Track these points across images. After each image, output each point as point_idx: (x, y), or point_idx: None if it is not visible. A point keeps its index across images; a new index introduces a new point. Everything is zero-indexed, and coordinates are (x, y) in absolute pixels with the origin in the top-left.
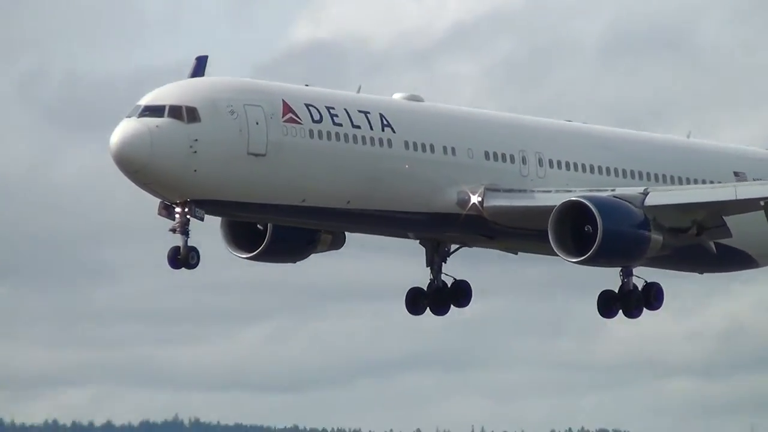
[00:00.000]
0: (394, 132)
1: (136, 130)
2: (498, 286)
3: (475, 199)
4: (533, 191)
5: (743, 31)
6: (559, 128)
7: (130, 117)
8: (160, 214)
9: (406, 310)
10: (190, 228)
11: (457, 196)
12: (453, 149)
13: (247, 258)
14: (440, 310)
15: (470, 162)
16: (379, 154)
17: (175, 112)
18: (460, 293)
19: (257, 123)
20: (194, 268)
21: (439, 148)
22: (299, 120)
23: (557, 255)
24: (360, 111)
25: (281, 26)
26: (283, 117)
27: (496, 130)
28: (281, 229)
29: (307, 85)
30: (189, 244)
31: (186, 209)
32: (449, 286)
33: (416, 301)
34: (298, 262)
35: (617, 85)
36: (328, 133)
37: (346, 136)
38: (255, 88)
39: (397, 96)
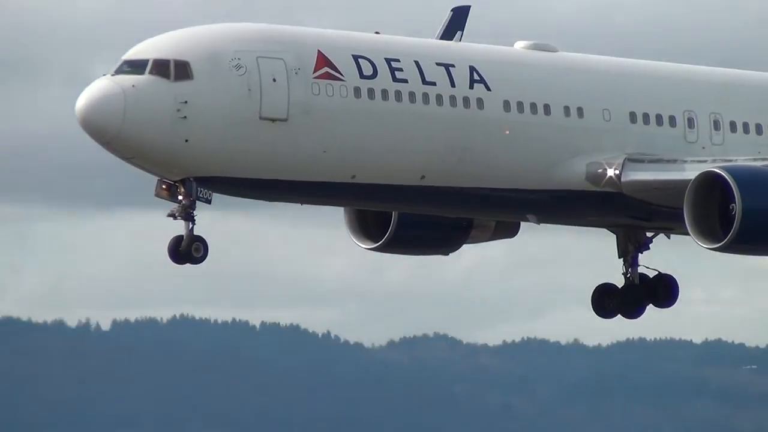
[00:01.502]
0: (488, 89)
1: (106, 91)
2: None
3: (611, 172)
4: (686, 161)
5: None
6: (747, 80)
7: (105, 75)
8: (157, 194)
9: (593, 311)
10: (195, 212)
11: (586, 168)
12: (579, 110)
13: (371, 249)
14: (632, 311)
15: (606, 126)
16: (464, 117)
17: (161, 67)
18: (663, 290)
19: (274, 80)
20: (200, 262)
21: (558, 108)
22: (339, 75)
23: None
24: (439, 64)
25: None
26: (315, 72)
27: (649, 84)
28: (410, 214)
29: (377, 33)
30: (194, 232)
31: (185, 189)
32: (649, 279)
33: (603, 300)
34: (450, 254)
35: None
36: (384, 92)
37: (412, 95)
38: (278, 37)
39: (520, 45)
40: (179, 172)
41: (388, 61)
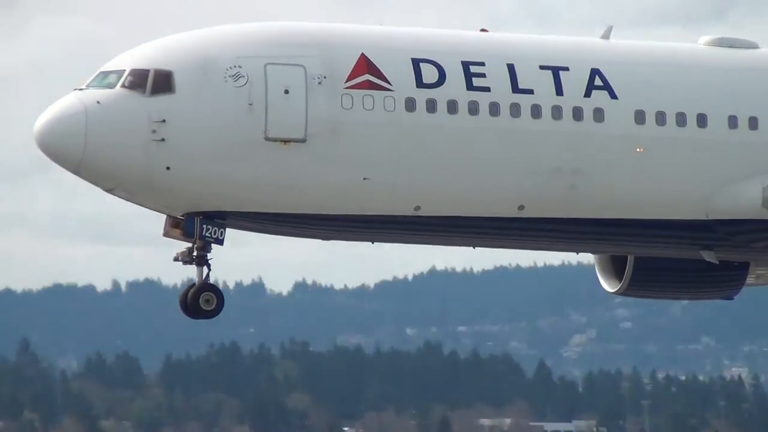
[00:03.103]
0: (614, 97)
1: (66, 109)
2: None
3: None
4: None
5: None
6: None
7: (77, 89)
8: (166, 234)
9: None
10: (207, 254)
11: (763, 193)
12: (753, 120)
13: (614, 293)
14: None
15: None
16: (572, 133)
17: (137, 78)
18: None
19: (286, 91)
20: (212, 316)
21: (718, 119)
22: (385, 84)
23: None
24: (545, 67)
25: None
26: (348, 80)
27: None
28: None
29: (483, 30)
30: (206, 279)
31: (185, 227)
32: None
33: None
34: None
35: None
36: (452, 104)
37: (494, 106)
38: (304, 39)
39: (703, 40)
40: (173, 206)
41: (466, 65)
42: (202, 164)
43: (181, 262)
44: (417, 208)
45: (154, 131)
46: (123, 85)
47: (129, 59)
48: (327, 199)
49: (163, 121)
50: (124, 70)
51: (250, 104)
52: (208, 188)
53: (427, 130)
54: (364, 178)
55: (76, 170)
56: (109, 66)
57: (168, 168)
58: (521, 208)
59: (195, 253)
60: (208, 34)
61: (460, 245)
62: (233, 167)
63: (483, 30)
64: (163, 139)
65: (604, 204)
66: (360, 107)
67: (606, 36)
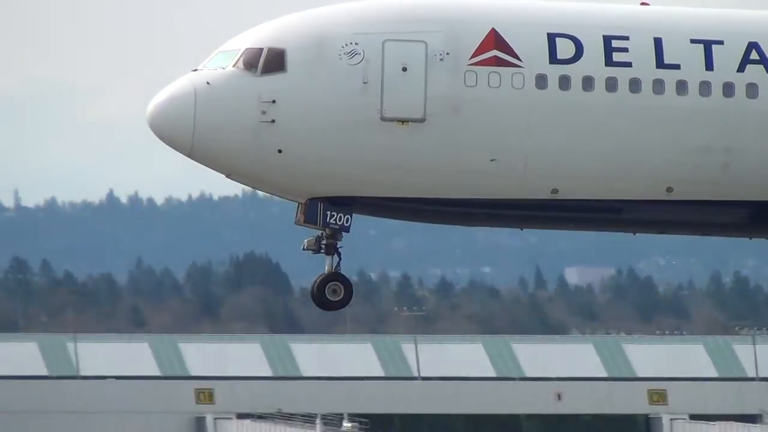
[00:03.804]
0: None
1: (176, 91)
2: None
3: None
4: None
5: None
6: None
7: (194, 70)
8: (297, 222)
9: None
10: (337, 242)
11: None
12: None
13: None
14: None
15: None
16: (723, 110)
17: (250, 58)
18: None
19: (404, 69)
20: (340, 307)
21: None
22: (515, 60)
23: None
24: (696, 41)
25: None
26: (473, 57)
27: None
28: None
29: (644, 4)
30: (335, 268)
31: (306, 213)
32: None
33: None
34: None
35: None
36: (588, 80)
37: (635, 82)
38: (430, 14)
39: None
40: (292, 192)
41: (608, 39)
42: (315, 147)
43: (311, 252)
44: (555, 191)
45: (264, 112)
46: (236, 65)
47: (246, 38)
48: (452, 183)
49: (273, 101)
50: (239, 50)
51: (365, 83)
52: (322, 172)
53: (560, 107)
54: (491, 160)
55: (189, 155)
56: (227, 46)
57: (280, 151)
58: (670, 190)
59: (324, 242)
60: (329, 12)
61: (603, 230)
62: (348, 150)
63: (644, 3)
64: (273, 121)
65: (745, 185)
66: (485, 84)
67: None
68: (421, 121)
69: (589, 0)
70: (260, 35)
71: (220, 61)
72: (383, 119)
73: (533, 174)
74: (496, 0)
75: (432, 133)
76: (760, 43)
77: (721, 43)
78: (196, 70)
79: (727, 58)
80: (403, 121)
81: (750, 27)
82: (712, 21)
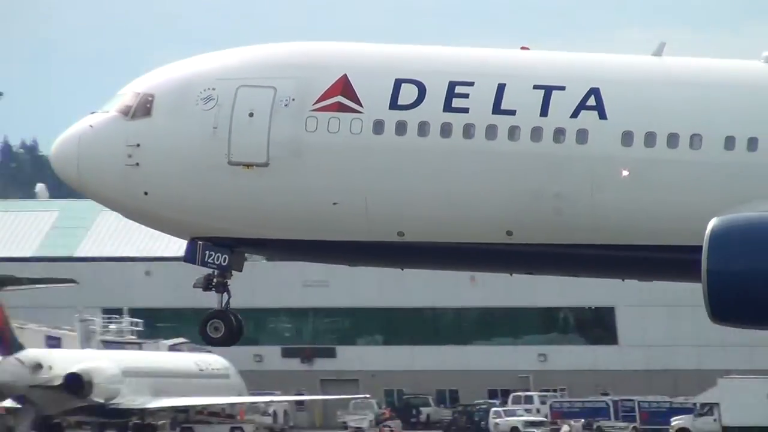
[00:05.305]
0: (602, 117)
1: (68, 133)
2: None
3: None
4: None
5: None
6: None
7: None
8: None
9: None
10: (226, 280)
11: None
12: (753, 141)
13: None
14: None
15: None
16: (551, 155)
17: (127, 102)
18: None
19: (251, 114)
20: (224, 345)
21: (714, 139)
22: (356, 106)
23: None
24: (539, 87)
25: None
26: (317, 102)
27: None
28: None
29: (524, 48)
30: (224, 306)
31: (188, 252)
32: None
33: None
34: None
35: None
36: (423, 126)
37: (468, 128)
38: (284, 60)
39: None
40: (168, 231)
41: (453, 85)
42: (175, 189)
43: (200, 288)
44: (401, 234)
45: (129, 156)
46: (116, 109)
47: (136, 82)
48: (300, 225)
49: (138, 145)
50: (124, 94)
51: (215, 128)
52: (183, 214)
53: (395, 152)
54: (334, 203)
55: (80, 191)
56: (122, 89)
57: (146, 193)
58: (510, 234)
59: (214, 280)
60: (205, 58)
61: (456, 270)
62: (202, 193)
63: (524, 48)
64: (137, 164)
65: (579, 230)
66: (324, 130)
67: (659, 52)
68: (265, 165)
69: (470, 46)
70: (143, 80)
71: (110, 104)
72: (230, 163)
73: (376, 217)
74: (354, 46)
75: (275, 177)
76: (601, 89)
77: (562, 88)
78: (93, 112)
79: (563, 104)
80: (248, 165)
81: (596, 72)
82: (561, 66)
